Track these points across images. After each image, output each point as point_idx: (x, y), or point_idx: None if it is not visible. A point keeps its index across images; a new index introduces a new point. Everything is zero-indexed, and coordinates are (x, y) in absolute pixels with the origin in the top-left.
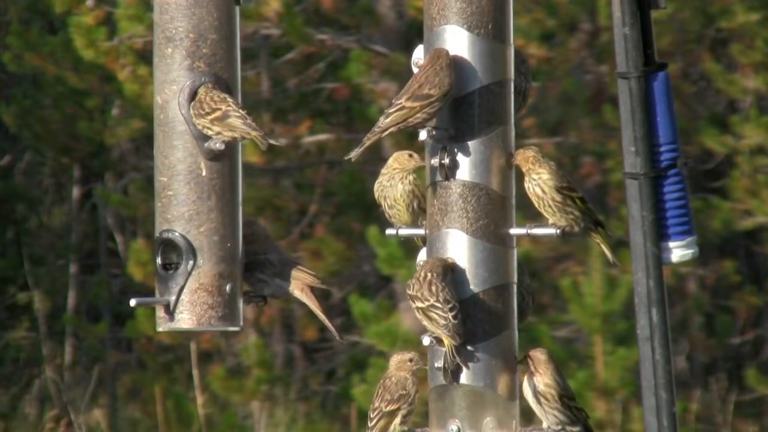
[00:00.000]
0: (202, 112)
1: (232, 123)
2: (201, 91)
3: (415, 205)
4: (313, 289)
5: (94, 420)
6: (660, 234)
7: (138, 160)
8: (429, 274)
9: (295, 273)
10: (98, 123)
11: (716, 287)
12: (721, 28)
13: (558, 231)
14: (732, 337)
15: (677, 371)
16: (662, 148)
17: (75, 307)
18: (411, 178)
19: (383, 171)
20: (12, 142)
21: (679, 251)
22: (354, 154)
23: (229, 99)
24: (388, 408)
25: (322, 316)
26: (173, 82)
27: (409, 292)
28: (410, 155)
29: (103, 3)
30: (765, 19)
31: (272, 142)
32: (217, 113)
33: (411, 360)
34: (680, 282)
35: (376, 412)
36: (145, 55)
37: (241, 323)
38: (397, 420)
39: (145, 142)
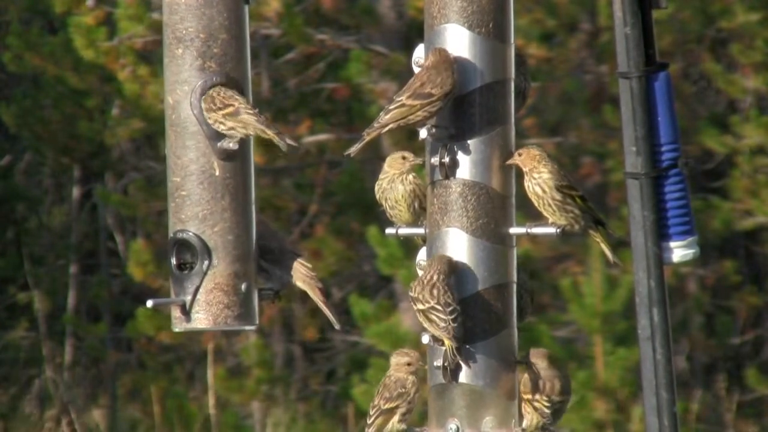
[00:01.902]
0: (214, 107)
1: (246, 119)
2: (214, 90)
3: (416, 205)
4: (315, 276)
5: (93, 420)
6: (661, 234)
7: (138, 160)
8: (434, 277)
9: (293, 265)
10: (98, 123)
11: (716, 287)
12: (721, 28)
13: (558, 230)
14: (732, 337)
15: (677, 371)
16: (663, 148)
17: (75, 307)
18: (411, 177)
19: (381, 175)
20: (12, 142)
21: (680, 251)
22: (353, 150)
23: (238, 96)
24: (386, 406)
25: (321, 305)
26: (184, 82)
27: (411, 294)
28: (403, 157)
29: (103, 3)
30: (765, 19)
31: (290, 142)
32: (230, 109)
33: (409, 363)
34: (680, 282)
35: (374, 410)
36: (145, 55)
37: (257, 321)
38: (396, 418)
39: (145, 142)
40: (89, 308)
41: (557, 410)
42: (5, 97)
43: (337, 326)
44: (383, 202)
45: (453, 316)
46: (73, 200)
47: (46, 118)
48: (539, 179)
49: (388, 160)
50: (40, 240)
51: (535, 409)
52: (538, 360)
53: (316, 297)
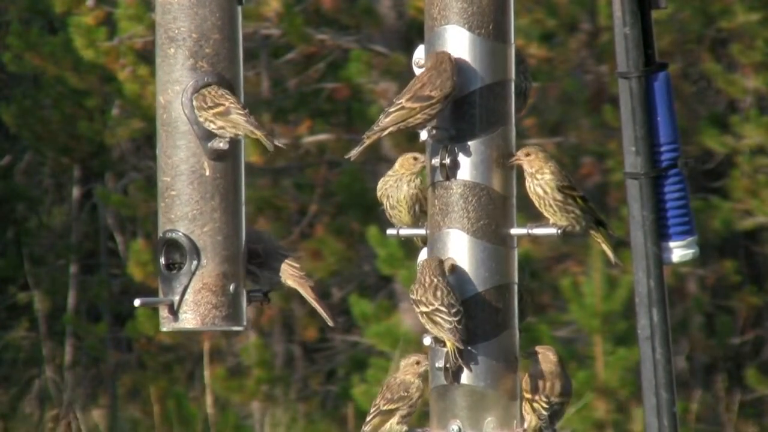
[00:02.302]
0: (205, 105)
1: (235, 119)
2: (206, 89)
3: (417, 208)
4: (305, 275)
5: (93, 420)
6: (660, 234)
7: (138, 160)
8: (435, 279)
9: (281, 266)
10: (98, 123)
11: (716, 287)
12: (721, 28)
13: (559, 231)
14: (732, 337)
15: (677, 371)
16: (663, 148)
17: (75, 307)
18: (417, 181)
19: (390, 173)
20: (12, 142)
21: (679, 251)
22: (354, 153)
23: (228, 96)
24: (386, 407)
25: (313, 302)
26: (176, 82)
27: (413, 296)
28: (415, 158)
29: (103, 3)
30: (765, 19)
31: (277, 143)
32: (220, 108)
33: (418, 362)
34: (680, 282)
35: (374, 409)
36: (145, 55)
37: (245, 323)
38: (395, 420)
39: (145, 142)
40: (89, 308)
41: (556, 412)
42: (5, 97)
43: (330, 323)
44: (384, 200)
45: (458, 318)
46: (73, 200)
47: (46, 118)
48: (541, 180)
49: (399, 159)
50: (40, 240)
51: (533, 410)
52: (547, 354)
53: (308, 294)
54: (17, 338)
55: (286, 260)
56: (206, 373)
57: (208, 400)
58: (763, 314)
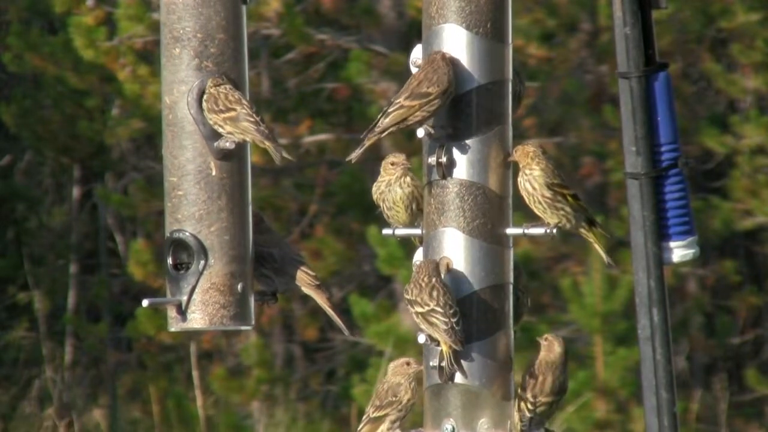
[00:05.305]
0: (216, 108)
1: (245, 127)
2: (210, 84)
3: (414, 206)
4: (320, 284)
5: (93, 420)
6: (661, 234)
7: (138, 160)
8: (433, 279)
9: (297, 273)
10: (98, 123)
11: (716, 287)
12: (721, 28)
13: (555, 230)
14: (732, 337)
15: (677, 371)
16: (663, 148)
17: (75, 307)
18: (408, 179)
19: (379, 178)
20: (12, 142)
21: (679, 251)
22: (354, 156)
23: (244, 101)
24: (374, 414)
25: (330, 311)
26: (182, 82)
27: (408, 296)
28: (392, 163)
29: (103, 3)
30: (765, 19)
31: (285, 155)
32: (231, 113)
33: (408, 364)
34: (680, 282)
35: (364, 417)
36: (145, 55)
37: (253, 322)
38: (384, 426)
39: (145, 142)
40: (89, 308)
41: (543, 412)
42: (5, 97)
43: (346, 332)
44: (381, 203)
45: (455, 319)
46: (73, 200)
47: (46, 118)
48: (530, 176)
49: (383, 163)
50: (40, 240)
51: (519, 409)
52: (553, 345)
53: (324, 303)
54: (17, 338)
55: (301, 268)
56: (195, 373)
57: (199, 401)
58: (763, 314)
